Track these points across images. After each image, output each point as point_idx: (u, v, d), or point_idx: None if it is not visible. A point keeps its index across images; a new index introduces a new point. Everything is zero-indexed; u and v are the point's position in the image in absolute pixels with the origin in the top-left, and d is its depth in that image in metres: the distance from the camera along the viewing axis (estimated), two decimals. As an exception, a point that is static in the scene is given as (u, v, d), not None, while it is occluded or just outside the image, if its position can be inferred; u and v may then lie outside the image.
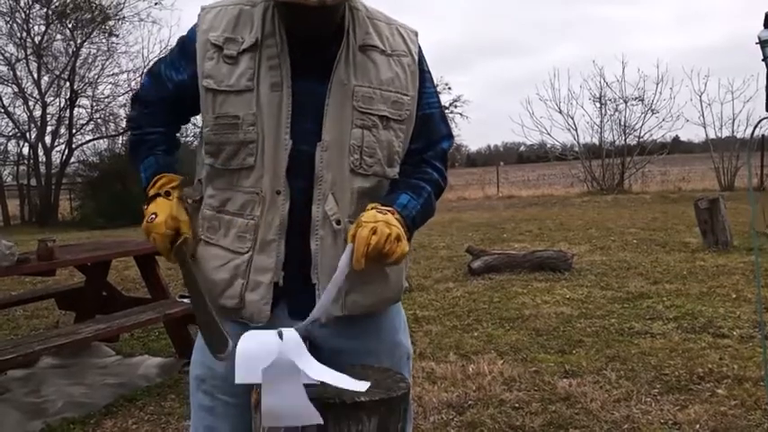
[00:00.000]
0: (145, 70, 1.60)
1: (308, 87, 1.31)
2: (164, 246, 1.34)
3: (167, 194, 1.37)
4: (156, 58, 1.53)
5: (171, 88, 1.41)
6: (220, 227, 1.35)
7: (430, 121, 1.43)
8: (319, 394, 1.14)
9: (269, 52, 1.31)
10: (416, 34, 1.45)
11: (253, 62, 1.31)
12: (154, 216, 1.34)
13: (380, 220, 1.24)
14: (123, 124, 19.27)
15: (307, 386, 1.09)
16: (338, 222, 1.32)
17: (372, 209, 1.28)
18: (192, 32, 1.37)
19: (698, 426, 2.72)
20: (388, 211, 1.28)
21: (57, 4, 17.84)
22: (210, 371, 1.38)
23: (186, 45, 1.38)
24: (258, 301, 1.33)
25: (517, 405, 3.00)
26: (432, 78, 1.46)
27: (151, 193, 1.38)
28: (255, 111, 1.30)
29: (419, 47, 1.44)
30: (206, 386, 1.39)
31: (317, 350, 1.40)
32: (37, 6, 17.89)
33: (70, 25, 18.06)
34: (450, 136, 1.49)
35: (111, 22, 18.64)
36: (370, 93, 1.33)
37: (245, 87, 1.30)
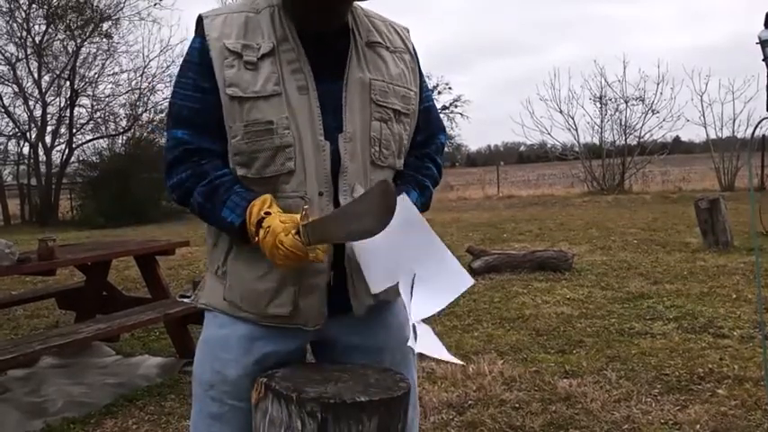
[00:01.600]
0: (168, 122, 1.31)
1: (326, 86, 1.33)
2: (292, 242, 1.19)
3: (267, 214, 1.25)
4: (173, 105, 1.35)
5: (214, 115, 1.30)
6: None
7: (429, 114, 1.51)
8: (319, 394, 1.14)
9: (287, 56, 1.31)
10: (408, 31, 1.51)
11: (275, 67, 1.30)
12: (269, 228, 1.22)
13: None
14: (123, 123, 19.33)
15: None
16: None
17: None
18: (200, 43, 1.33)
19: (698, 426, 2.72)
20: None
21: (53, 5, 17.81)
22: (220, 375, 1.36)
23: (200, 62, 1.32)
24: (315, 306, 1.32)
25: (517, 405, 3.00)
26: (423, 74, 1.52)
27: (253, 222, 1.25)
28: (288, 114, 1.29)
29: (412, 43, 1.49)
30: (214, 392, 1.37)
31: (331, 347, 1.42)
32: (35, 6, 17.88)
33: (63, 27, 18.02)
34: (444, 129, 1.59)
35: (105, 25, 18.64)
36: (384, 87, 1.37)
37: (272, 92, 1.29)
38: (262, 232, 1.22)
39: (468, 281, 1.31)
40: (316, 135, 1.30)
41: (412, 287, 1.27)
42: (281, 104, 1.29)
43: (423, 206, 1.44)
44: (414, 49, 1.48)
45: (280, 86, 1.29)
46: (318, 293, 1.32)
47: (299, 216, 1.22)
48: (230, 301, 1.37)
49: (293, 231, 1.19)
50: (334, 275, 1.33)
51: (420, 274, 1.27)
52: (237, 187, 1.30)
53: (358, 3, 1.39)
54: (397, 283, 1.28)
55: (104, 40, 18.80)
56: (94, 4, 18.19)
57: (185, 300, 3.87)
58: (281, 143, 1.29)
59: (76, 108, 19.01)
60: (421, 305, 1.26)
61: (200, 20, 1.35)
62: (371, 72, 1.36)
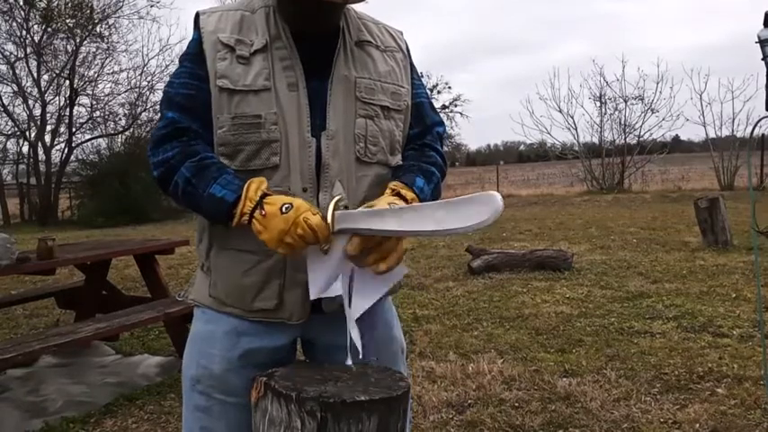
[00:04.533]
0: (161, 107, 1.38)
1: (314, 85, 1.34)
2: (319, 221, 1.19)
3: (267, 195, 1.24)
4: (168, 91, 1.35)
5: (207, 103, 1.31)
6: (240, 230, 1.28)
7: (422, 109, 1.50)
8: (319, 393, 1.14)
9: (280, 54, 1.33)
10: (402, 33, 1.53)
11: (266, 62, 1.32)
12: (289, 205, 1.20)
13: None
14: (122, 122, 19.32)
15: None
16: (346, 208, 1.33)
17: (394, 192, 1.32)
18: (196, 36, 1.36)
19: (697, 425, 2.72)
20: (408, 193, 1.32)
21: (43, 6, 17.77)
22: (206, 370, 1.38)
23: (197, 53, 1.34)
24: (299, 300, 1.33)
25: (517, 404, 3.00)
26: (417, 72, 1.53)
27: (253, 198, 1.23)
28: (276, 110, 1.30)
29: (406, 44, 1.51)
30: (201, 386, 1.39)
31: (311, 346, 1.42)
32: (29, 7, 17.84)
33: (58, 27, 17.99)
34: (442, 122, 1.57)
35: (99, 28, 18.61)
36: (371, 84, 1.38)
37: (262, 87, 1.30)
38: (269, 208, 1.21)
39: (402, 270, 1.29)
40: (303, 131, 1.31)
41: (350, 286, 1.27)
42: (271, 100, 1.30)
43: (432, 192, 1.41)
44: (407, 49, 1.50)
45: (270, 82, 1.31)
46: (302, 288, 1.32)
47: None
48: (215, 297, 1.38)
49: (320, 213, 1.21)
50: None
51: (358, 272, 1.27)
52: (230, 169, 1.29)
53: (351, 5, 1.40)
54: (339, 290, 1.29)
55: (103, 41, 18.82)
56: (91, 5, 18.18)
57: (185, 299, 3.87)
58: (267, 138, 1.30)
59: (76, 107, 19.04)
60: (360, 300, 1.28)
61: (197, 16, 1.38)
62: (358, 70, 1.37)
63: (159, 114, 1.37)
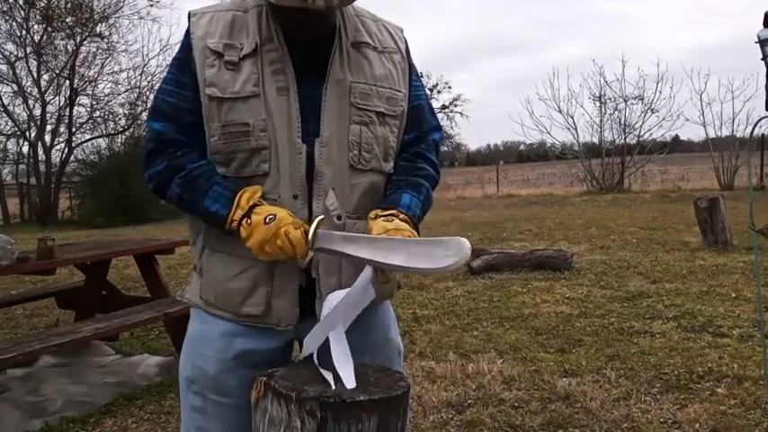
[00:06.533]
0: (148, 117, 1.34)
1: (308, 89, 1.31)
2: (299, 236, 1.21)
3: (260, 204, 1.25)
4: (156, 99, 1.38)
5: (191, 110, 1.31)
6: (232, 235, 1.29)
7: (419, 112, 1.46)
8: (319, 393, 1.15)
9: (270, 57, 1.30)
10: (402, 30, 1.48)
11: (255, 67, 1.29)
12: (272, 216, 1.22)
13: (390, 230, 1.26)
14: (122, 122, 19.32)
15: None
16: (339, 218, 1.32)
17: (377, 217, 1.30)
18: (185, 40, 1.33)
19: (697, 425, 2.72)
20: (393, 214, 1.30)
21: (51, 6, 17.75)
22: (201, 371, 1.37)
23: (183, 57, 1.33)
24: (287, 307, 1.33)
25: (517, 404, 3.00)
26: (417, 72, 1.48)
27: (244, 207, 1.24)
28: (265, 116, 1.28)
29: (406, 42, 1.46)
30: (196, 387, 1.39)
31: None
32: (28, 6, 17.81)
33: (58, 26, 17.97)
34: (439, 128, 1.53)
35: (100, 27, 18.61)
36: (366, 89, 1.35)
37: (251, 93, 1.28)
38: (255, 218, 1.22)
39: (371, 295, 1.27)
40: (293, 138, 1.29)
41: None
42: (259, 106, 1.28)
43: (423, 204, 1.38)
44: (406, 49, 1.45)
45: (259, 88, 1.28)
46: (290, 295, 1.32)
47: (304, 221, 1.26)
48: (206, 300, 1.38)
49: (302, 229, 1.22)
50: (306, 279, 1.33)
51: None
52: (218, 177, 1.30)
53: (347, 2, 1.38)
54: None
55: (102, 40, 18.82)
56: (91, 6, 18.16)
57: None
58: (256, 145, 1.28)
59: (76, 107, 19.02)
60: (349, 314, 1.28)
61: (189, 17, 1.36)
62: (353, 74, 1.34)
63: (147, 120, 1.37)
